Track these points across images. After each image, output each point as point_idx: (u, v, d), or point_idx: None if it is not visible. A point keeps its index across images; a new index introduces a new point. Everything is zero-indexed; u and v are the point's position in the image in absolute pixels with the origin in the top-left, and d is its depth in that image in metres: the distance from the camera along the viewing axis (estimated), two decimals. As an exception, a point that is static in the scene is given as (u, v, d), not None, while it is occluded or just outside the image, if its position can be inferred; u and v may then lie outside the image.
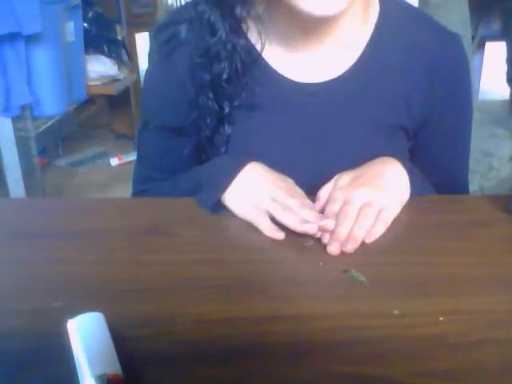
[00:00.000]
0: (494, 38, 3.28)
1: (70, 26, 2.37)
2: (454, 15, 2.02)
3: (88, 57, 2.60)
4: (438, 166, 0.82)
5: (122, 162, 2.90)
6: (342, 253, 0.58)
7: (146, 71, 0.82)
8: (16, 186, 2.18)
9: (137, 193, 0.87)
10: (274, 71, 0.75)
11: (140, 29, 3.43)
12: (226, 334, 0.46)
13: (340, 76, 0.75)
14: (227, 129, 0.76)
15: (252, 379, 0.42)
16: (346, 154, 0.75)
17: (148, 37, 3.05)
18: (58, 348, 0.44)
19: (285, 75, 0.75)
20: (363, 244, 0.60)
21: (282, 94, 0.75)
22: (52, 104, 2.26)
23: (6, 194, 2.18)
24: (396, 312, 0.49)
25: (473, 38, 2.70)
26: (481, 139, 2.07)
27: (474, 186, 1.83)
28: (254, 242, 0.62)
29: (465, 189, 0.88)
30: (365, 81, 0.75)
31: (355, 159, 0.72)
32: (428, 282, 0.54)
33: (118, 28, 3.08)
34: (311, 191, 0.70)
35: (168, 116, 0.80)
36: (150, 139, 0.83)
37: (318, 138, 0.76)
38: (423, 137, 0.79)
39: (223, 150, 0.76)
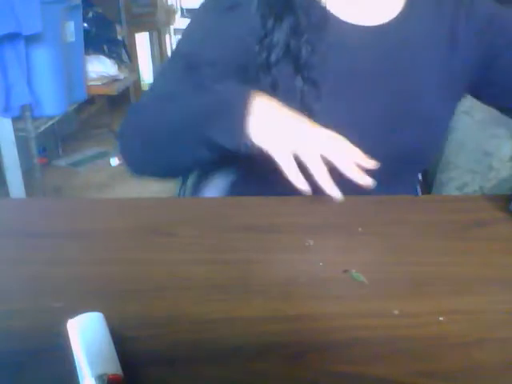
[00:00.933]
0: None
1: (70, 26, 2.37)
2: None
3: (88, 57, 2.60)
4: None
5: (122, 162, 2.90)
6: (342, 253, 0.58)
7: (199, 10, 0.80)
8: (16, 185, 2.18)
9: (128, 120, 0.79)
10: (330, 13, 0.77)
11: (140, 29, 3.43)
12: (226, 334, 0.46)
13: (393, 19, 0.77)
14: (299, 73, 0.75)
15: (252, 379, 0.42)
16: (398, 95, 0.77)
17: (148, 37, 3.06)
18: (58, 348, 0.44)
19: (342, 18, 0.77)
20: (363, 244, 0.60)
21: (339, 36, 0.77)
22: (52, 104, 2.26)
23: (6, 193, 2.18)
24: (396, 312, 0.49)
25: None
26: (481, 139, 2.07)
27: (474, 185, 1.83)
28: (254, 242, 0.62)
29: None
30: (417, 23, 0.77)
31: (406, 100, 0.76)
32: (428, 282, 0.54)
33: (118, 28, 3.08)
34: (356, 133, 0.70)
35: (226, 52, 0.77)
36: (178, 77, 0.78)
37: (373, 80, 0.77)
38: (498, 68, 0.78)
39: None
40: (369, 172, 0.77)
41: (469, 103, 2.02)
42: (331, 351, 0.44)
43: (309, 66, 0.75)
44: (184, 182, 1.02)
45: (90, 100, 2.89)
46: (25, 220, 0.68)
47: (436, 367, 0.43)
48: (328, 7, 0.77)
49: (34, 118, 2.21)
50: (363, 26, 0.77)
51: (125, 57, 2.99)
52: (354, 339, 0.46)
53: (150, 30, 3.65)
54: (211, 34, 0.78)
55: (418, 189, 0.97)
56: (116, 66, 2.73)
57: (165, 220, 0.67)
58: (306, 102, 0.75)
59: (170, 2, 3.94)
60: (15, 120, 2.14)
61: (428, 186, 1.86)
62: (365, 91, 0.77)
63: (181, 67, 0.78)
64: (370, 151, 0.76)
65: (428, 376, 0.42)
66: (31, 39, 2.05)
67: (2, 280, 0.55)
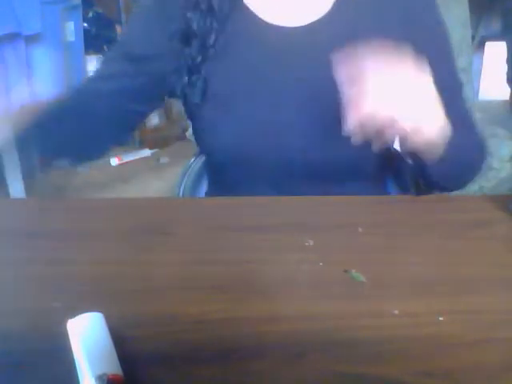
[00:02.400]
0: (494, 37, 3.28)
1: (70, 26, 2.37)
2: (454, 15, 2.02)
3: (88, 57, 2.60)
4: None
5: (122, 161, 2.90)
6: (342, 253, 0.58)
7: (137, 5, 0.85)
8: (16, 186, 2.18)
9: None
10: (257, 17, 0.77)
11: (140, 29, 3.42)
12: (226, 334, 0.46)
13: (321, 18, 0.76)
14: (203, 73, 0.77)
15: (252, 379, 0.42)
16: (328, 96, 0.75)
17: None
18: (58, 348, 0.44)
19: (267, 20, 0.76)
20: (363, 244, 0.60)
21: (264, 39, 0.76)
22: (52, 104, 2.25)
23: (6, 193, 2.18)
24: (396, 312, 0.49)
25: (473, 37, 2.70)
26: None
27: (474, 185, 1.83)
28: (254, 242, 0.62)
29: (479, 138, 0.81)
30: (344, 22, 0.76)
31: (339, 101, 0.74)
32: (428, 282, 0.54)
33: (117, 28, 3.08)
34: (297, 136, 0.75)
35: (143, 43, 0.79)
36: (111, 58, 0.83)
37: (298, 82, 0.76)
38: None
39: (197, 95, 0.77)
40: (317, 174, 0.77)
41: (468, 103, 2.02)
42: (331, 351, 0.44)
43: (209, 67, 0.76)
44: (184, 182, 1.03)
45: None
46: (25, 220, 0.68)
47: (436, 367, 0.43)
48: (253, 10, 0.77)
49: (34, 118, 2.21)
50: (287, 27, 0.77)
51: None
52: (354, 339, 0.46)
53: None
54: (136, 26, 0.82)
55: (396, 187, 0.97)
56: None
57: (165, 220, 0.67)
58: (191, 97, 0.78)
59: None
60: (15, 120, 2.13)
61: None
62: (287, 92, 0.77)
63: (113, 53, 0.83)
64: (305, 154, 0.77)
65: (428, 376, 0.42)
66: (31, 39, 2.05)
67: (1, 280, 0.55)
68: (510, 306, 0.51)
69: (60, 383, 0.42)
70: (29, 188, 2.20)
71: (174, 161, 2.64)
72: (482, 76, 3.62)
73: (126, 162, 2.84)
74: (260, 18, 0.77)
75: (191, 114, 0.82)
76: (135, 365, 0.42)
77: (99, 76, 0.82)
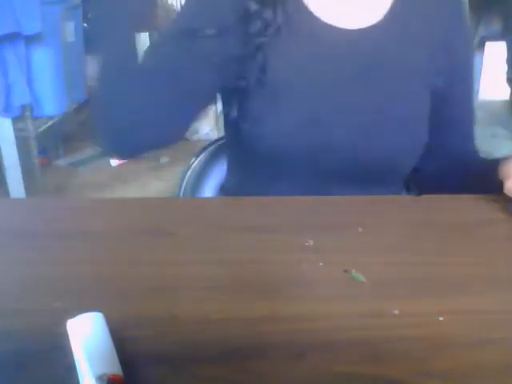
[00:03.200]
0: (494, 37, 3.28)
1: (70, 26, 2.37)
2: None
3: (88, 57, 2.60)
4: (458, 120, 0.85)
5: (122, 161, 2.90)
6: (342, 253, 0.58)
7: None
8: (16, 186, 2.18)
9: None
10: (315, 16, 0.77)
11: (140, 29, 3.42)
12: (226, 334, 0.46)
13: (377, 22, 0.78)
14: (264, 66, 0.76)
15: (252, 379, 0.42)
16: (378, 98, 0.78)
17: (148, 37, 3.05)
18: (58, 348, 0.44)
19: (325, 20, 0.77)
20: (363, 244, 0.60)
21: (320, 37, 0.77)
22: (52, 104, 2.26)
23: (6, 193, 2.18)
24: (396, 312, 0.49)
25: (473, 37, 2.70)
26: (481, 139, 2.07)
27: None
28: (254, 242, 0.62)
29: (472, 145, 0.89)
30: (398, 27, 0.78)
31: (390, 104, 0.77)
32: (428, 282, 0.54)
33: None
34: (345, 135, 0.76)
35: (211, 21, 0.75)
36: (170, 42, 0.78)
37: (348, 82, 0.78)
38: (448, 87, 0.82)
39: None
40: (349, 176, 0.78)
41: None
42: (331, 351, 0.44)
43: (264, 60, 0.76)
44: (184, 182, 1.03)
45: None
46: (25, 220, 0.68)
47: (436, 367, 0.43)
48: (310, 8, 0.78)
49: (34, 118, 2.22)
50: (344, 29, 0.78)
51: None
52: (354, 339, 0.46)
53: (149, 29, 3.64)
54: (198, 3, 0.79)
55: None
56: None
57: (165, 220, 0.67)
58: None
59: (169, 2, 3.93)
60: (15, 120, 2.14)
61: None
62: (344, 94, 0.78)
63: (168, 32, 0.78)
64: (348, 154, 0.78)
65: (428, 376, 0.42)
66: (31, 39, 2.05)
67: (1, 280, 0.55)
68: (510, 306, 0.51)
69: (60, 383, 0.42)
70: (29, 188, 2.20)
71: (174, 161, 2.64)
72: (482, 76, 3.62)
73: (126, 162, 2.84)
74: (318, 18, 0.78)
75: (233, 102, 0.80)
76: (135, 365, 0.42)
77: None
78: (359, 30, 0.77)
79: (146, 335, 0.46)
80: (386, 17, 0.78)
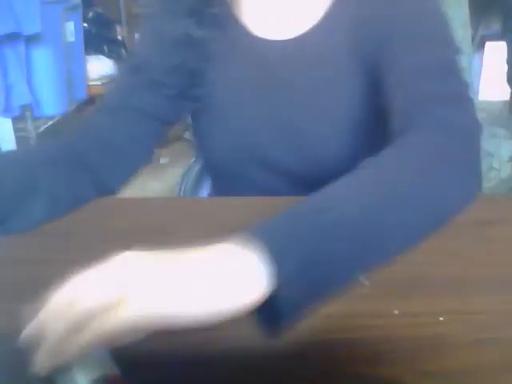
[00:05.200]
0: (494, 37, 3.28)
1: (70, 26, 2.38)
2: (454, 15, 2.02)
3: (88, 57, 2.61)
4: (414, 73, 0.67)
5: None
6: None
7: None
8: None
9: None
10: (247, 31, 0.78)
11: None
12: (226, 334, 0.46)
13: (308, 31, 0.76)
14: (199, 84, 0.79)
15: (252, 379, 0.42)
16: (315, 108, 0.77)
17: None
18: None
19: (257, 34, 0.77)
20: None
21: (254, 52, 0.78)
22: (52, 104, 2.26)
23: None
24: (396, 312, 0.49)
25: (473, 38, 2.70)
26: (481, 139, 2.07)
27: (474, 186, 1.83)
28: (254, 241, 0.61)
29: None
30: (331, 34, 0.75)
31: (326, 114, 0.75)
32: (428, 282, 0.54)
33: (117, 28, 3.08)
34: (281, 148, 0.76)
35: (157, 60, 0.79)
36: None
37: (285, 94, 0.77)
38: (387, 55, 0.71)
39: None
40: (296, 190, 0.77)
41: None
42: (331, 351, 0.44)
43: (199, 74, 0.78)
44: (184, 183, 1.03)
45: (90, 100, 2.89)
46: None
47: (436, 367, 0.43)
48: (243, 23, 0.78)
49: (34, 118, 2.22)
50: (273, 41, 0.77)
51: (125, 57, 2.99)
52: (354, 339, 0.46)
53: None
54: (147, 35, 0.82)
55: None
56: (116, 66, 2.73)
57: (165, 220, 0.67)
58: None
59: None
60: (15, 120, 2.14)
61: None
62: (276, 104, 0.78)
63: (125, 69, 0.82)
64: (287, 165, 0.77)
65: (428, 376, 0.42)
66: (31, 39, 2.05)
67: (2, 280, 0.55)
68: (510, 306, 0.51)
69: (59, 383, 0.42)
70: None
71: (174, 161, 2.64)
72: (482, 76, 3.62)
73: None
74: (250, 32, 0.78)
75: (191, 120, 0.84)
76: (135, 365, 0.42)
77: (114, 105, 0.79)
78: (291, 40, 0.76)
79: (146, 335, 0.46)
80: (316, 25, 0.76)
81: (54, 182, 0.68)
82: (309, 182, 0.78)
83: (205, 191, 1.04)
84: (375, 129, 0.77)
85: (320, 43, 0.75)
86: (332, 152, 0.77)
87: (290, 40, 0.76)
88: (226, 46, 0.78)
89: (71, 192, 0.70)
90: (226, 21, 0.78)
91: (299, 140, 0.77)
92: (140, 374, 0.42)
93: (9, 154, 0.75)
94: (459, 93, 0.63)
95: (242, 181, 0.82)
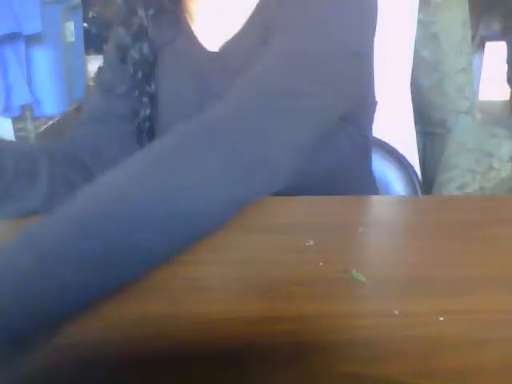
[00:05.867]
0: (494, 37, 3.28)
1: (70, 26, 2.38)
2: (454, 15, 2.02)
3: (88, 57, 2.61)
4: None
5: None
6: (342, 253, 0.58)
7: None
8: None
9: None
10: (195, 41, 0.80)
11: (140, 29, 3.42)
12: (226, 334, 0.46)
13: (228, 41, 0.77)
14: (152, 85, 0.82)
15: (252, 379, 0.42)
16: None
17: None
18: (58, 348, 0.44)
19: (202, 43, 0.79)
20: (363, 244, 0.60)
21: (192, 62, 0.80)
22: (52, 104, 2.26)
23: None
24: (396, 312, 0.49)
25: (473, 37, 2.70)
26: (481, 139, 2.07)
27: (474, 186, 1.83)
28: (254, 242, 0.62)
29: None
30: (249, 43, 0.75)
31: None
32: (428, 282, 0.54)
33: (117, 28, 3.08)
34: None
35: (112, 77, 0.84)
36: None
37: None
38: None
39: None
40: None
41: (469, 103, 2.02)
42: (331, 351, 0.44)
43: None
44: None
45: (90, 100, 2.89)
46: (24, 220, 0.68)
47: (436, 367, 0.43)
48: (196, 34, 0.80)
49: (34, 118, 2.22)
50: (209, 51, 0.79)
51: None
52: (354, 339, 0.46)
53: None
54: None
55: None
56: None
57: (165, 220, 0.67)
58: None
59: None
60: (15, 120, 2.14)
61: (428, 186, 1.86)
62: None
63: (96, 86, 0.87)
64: None
65: (428, 376, 0.42)
66: (31, 39, 2.05)
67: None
68: (510, 306, 0.51)
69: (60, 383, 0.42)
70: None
71: (174, 161, 2.63)
72: (482, 76, 3.62)
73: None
74: (197, 42, 0.79)
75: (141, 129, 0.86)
76: (135, 365, 0.42)
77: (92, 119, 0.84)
78: (221, 48, 0.77)
79: (146, 335, 0.46)
80: (236, 35, 0.76)
81: (52, 173, 0.69)
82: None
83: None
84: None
85: (240, 52, 0.75)
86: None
87: (215, 52, 0.78)
88: (173, 54, 0.81)
89: (66, 188, 0.70)
90: (175, 28, 0.80)
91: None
92: (140, 375, 0.42)
93: (9, 140, 0.75)
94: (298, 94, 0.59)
95: None
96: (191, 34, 0.80)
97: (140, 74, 0.80)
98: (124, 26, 0.81)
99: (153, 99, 0.81)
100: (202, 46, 0.79)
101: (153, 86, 0.81)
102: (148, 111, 0.81)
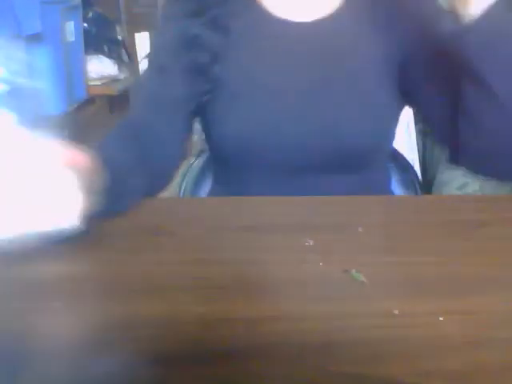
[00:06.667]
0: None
1: (70, 26, 2.38)
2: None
3: (88, 57, 2.60)
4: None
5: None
6: (342, 253, 0.58)
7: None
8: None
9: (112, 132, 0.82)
10: (267, 12, 0.79)
11: (140, 29, 3.43)
12: (226, 334, 0.46)
13: (327, 15, 0.79)
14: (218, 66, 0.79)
15: (252, 379, 0.42)
16: (335, 88, 0.78)
17: (148, 37, 3.06)
18: (58, 348, 0.44)
19: (277, 15, 0.79)
20: (363, 244, 0.60)
21: (273, 32, 0.79)
22: (52, 104, 2.26)
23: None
24: (396, 312, 0.49)
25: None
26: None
27: (474, 185, 1.83)
28: (254, 241, 0.62)
29: None
30: (349, 21, 0.78)
31: (345, 93, 0.77)
32: (428, 282, 0.54)
33: (117, 28, 3.08)
34: (303, 127, 0.76)
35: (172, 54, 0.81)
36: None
37: (306, 75, 0.79)
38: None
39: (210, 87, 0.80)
40: (323, 166, 0.78)
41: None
42: (331, 351, 0.44)
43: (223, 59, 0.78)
44: (184, 182, 1.03)
45: (90, 100, 2.89)
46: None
47: (436, 367, 0.43)
48: (264, 5, 0.80)
49: (34, 118, 2.21)
50: (297, 22, 0.79)
51: (125, 57, 2.99)
52: (354, 339, 0.46)
53: (149, 29, 3.65)
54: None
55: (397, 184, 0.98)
56: (116, 66, 2.73)
57: (165, 220, 0.67)
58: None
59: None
60: (15, 120, 2.13)
61: (428, 186, 1.86)
62: (296, 85, 0.79)
63: (148, 72, 0.83)
64: (314, 144, 0.78)
65: (428, 376, 0.42)
66: (31, 39, 2.05)
67: (2, 280, 0.55)
68: (510, 306, 0.51)
69: (60, 383, 0.42)
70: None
71: (174, 161, 2.63)
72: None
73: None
74: (269, 12, 0.80)
75: (202, 109, 0.83)
76: (135, 365, 0.42)
77: (146, 104, 0.81)
78: (313, 22, 0.78)
79: (146, 335, 0.46)
80: (337, 9, 0.79)
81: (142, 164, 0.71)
82: (324, 168, 0.79)
83: (205, 191, 1.04)
84: (395, 115, 0.79)
85: (341, 26, 0.77)
86: (350, 136, 0.78)
87: (311, 22, 0.78)
88: (245, 28, 0.79)
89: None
90: (246, 3, 0.79)
91: (317, 124, 0.78)
92: (140, 375, 0.42)
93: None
94: None
95: (251, 168, 0.83)
96: (260, 5, 0.80)
97: (207, 59, 0.78)
98: (196, 15, 0.78)
99: (215, 82, 0.80)
100: (279, 17, 0.79)
101: (216, 68, 0.79)
102: (207, 96, 0.80)
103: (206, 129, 0.85)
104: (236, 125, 0.79)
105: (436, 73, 0.73)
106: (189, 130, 0.85)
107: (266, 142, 0.79)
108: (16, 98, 0.48)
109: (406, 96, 0.80)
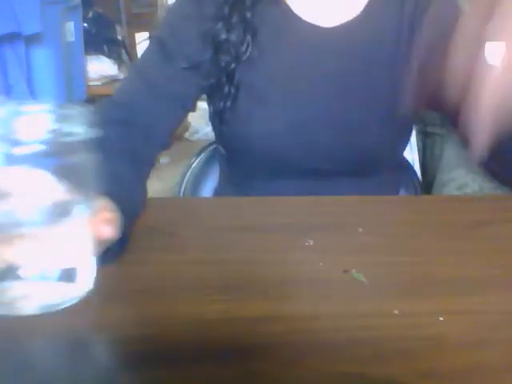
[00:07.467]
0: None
1: (70, 26, 2.38)
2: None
3: (88, 57, 2.61)
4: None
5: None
6: (342, 253, 0.58)
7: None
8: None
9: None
10: (294, 15, 0.80)
11: (140, 29, 3.43)
12: (226, 334, 0.46)
13: (353, 19, 0.79)
14: (241, 69, 0.79)
15: (252, 379, 0.42)
16: (361, 94, 0.79)
17: (148, 37, 3.06)
18: (58, 348, 0.44)
19: (304, 19, 0.80)
20: (363, 244, 0.60)
21: (300, 36, 0.80)
22: (52, 104, 2.26)
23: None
24: (396, 312, 0.49)
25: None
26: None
27: (474, 186, 1.83)
28: (254, 241, 0.61)
29: None
30: (375, 22, 0.79)
31: (371, 99, 0.78)
32: (428, 282, 0.54)
33: (117, 28, 3.08)
34: (327, 131, 0.77)
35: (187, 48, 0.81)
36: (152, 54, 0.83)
37: (334, 80, 0.79)
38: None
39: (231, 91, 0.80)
40: (337, 173, 0.79)
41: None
42: (331, 351, 0.44)
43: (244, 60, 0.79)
44: (184, 182, 1.03)
45: (90, 100, 2.89)
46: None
47: (436, 367, 0.43)
48: (293, 9, 0.80)
49: (34, 118, 2.21)
50: (325, 28, 0.80)
51: (125, 57, 3.00)
52: (354, 339, 0.46)
53: (149, 29, 3.65)
54: (179, 21, 0.82)
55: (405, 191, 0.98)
56: (116, 66, 2.74)
57: (165, 220, 0.67)
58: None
59: (169, 2, 3.94)
60: (15, 120, 2.13)
61: (428, 186, 1.86)
62: (323, 90, 0.80)
63: (154, 48, 0.82)
64: (335, 151, 0.79)
65: (428, 376, 0.42)
66: (31, 39, 2.05)
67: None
68: (510, 306, 0.51)
69: (60, 383, 0.42)
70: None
71: (174, 161, 2.63)
72: (482, 76, 3.61)
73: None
74: (298, 16, 0.80)
75: (222, 105, 0.83)
76: (135, 365, 0.42)
77: (141, 87, 0.80)
78: (339, 26, 0.79)
79: (146, 335, 0.46)
80: (363, 12, 0.79)
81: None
82: (349, 168, 0.79)
83: (205, 191, 1.04)
84: (414, 119, 0.80)
85: (367, 30, 0.78)
86: (372, 144, 0.80)
87: (338, 27, 0.78)
88: (273, 32, 0.79)
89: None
90: (274, 6, 0.80)
91: (343, 130, 0.79)
92: (140, 375, 0.42)
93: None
94: None
95: (269, 171, 0.83)
96: (289, 9, 0.80)
97: (230, 61, 0.78)
98: (224, 18, 0.78)
99: (238, 84, 0.80)
100: (308, 22, 0.80)
101: (233, 65, 0.79)
102: (228, 101, 0.80)
103: (226, 129, 0.85)
104: (260, 127, 0.80)
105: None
106: (180, 122, 0.86)
107: (292, 143, 0.80)
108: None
109: (429, 99, 0.80)
